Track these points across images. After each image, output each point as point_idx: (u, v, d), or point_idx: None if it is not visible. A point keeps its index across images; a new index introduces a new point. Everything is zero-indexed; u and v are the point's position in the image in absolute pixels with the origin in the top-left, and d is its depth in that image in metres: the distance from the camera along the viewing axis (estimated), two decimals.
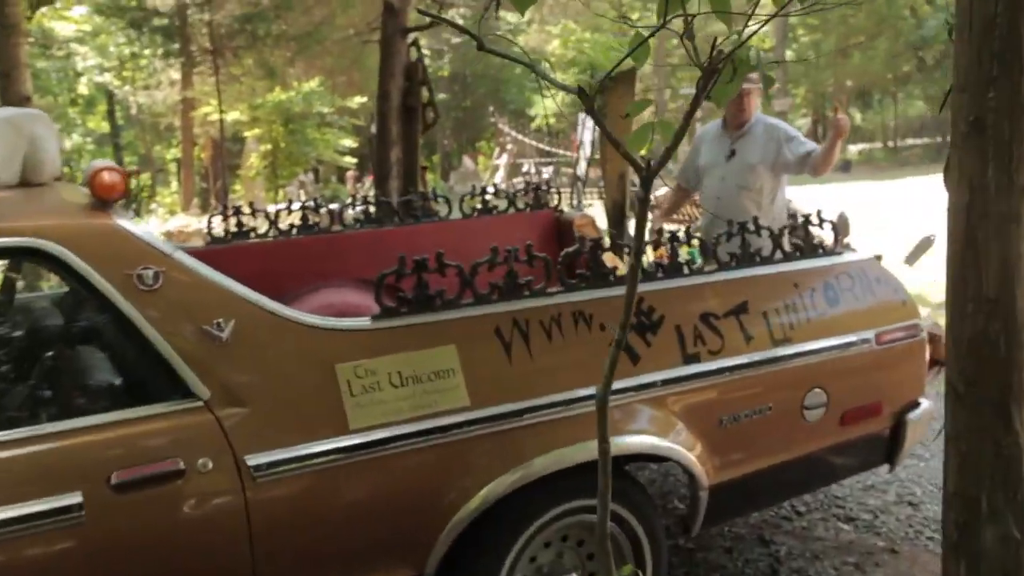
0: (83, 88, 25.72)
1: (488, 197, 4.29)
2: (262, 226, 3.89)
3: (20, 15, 8.04)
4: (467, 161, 23.45)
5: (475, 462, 2.38)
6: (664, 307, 2.67)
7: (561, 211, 4.37)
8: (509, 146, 21.47)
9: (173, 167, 28.70)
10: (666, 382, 2.61)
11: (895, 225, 10.77)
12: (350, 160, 19.66)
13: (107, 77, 23.79)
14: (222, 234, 3.80)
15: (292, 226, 3.90)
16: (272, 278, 3.61)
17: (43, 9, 15.28)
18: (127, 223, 2.29)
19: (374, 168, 6.96)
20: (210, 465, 2.11)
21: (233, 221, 3.82)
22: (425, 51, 6.89)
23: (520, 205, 4.31)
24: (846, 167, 26.86)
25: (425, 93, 6.68)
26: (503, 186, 19.96)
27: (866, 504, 3.84)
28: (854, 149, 34.00)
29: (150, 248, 2.24)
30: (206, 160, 21.33)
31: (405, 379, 2.33)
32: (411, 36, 6.81)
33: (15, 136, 2.52)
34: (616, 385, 2.55)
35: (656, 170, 1.28)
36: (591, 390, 2.50)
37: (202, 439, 2.14)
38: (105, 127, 30.19)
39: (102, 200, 2.31)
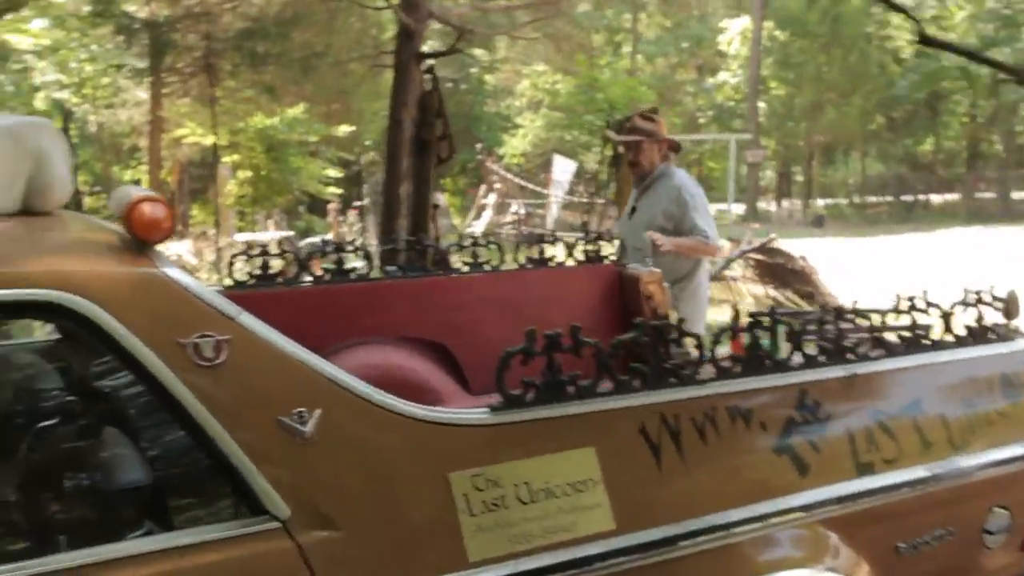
0: (39, 103, 24.77)
1: (545, 245, 3.75)
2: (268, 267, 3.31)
3: None
4: (439, 198, 22.90)
5: None
6: (831, 401, 2.14)
7: (624, 265, 3.85)
8: (497, 185, 21.01)
9: None
10: (840, 499, 2.07)
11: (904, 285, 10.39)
12: (334, 191, 18.95)
13: (65, 94, 22.88)
14: (244, 277, 3.21)
15: (326, 270, 3.32)
16: (299, 333, 3.04)
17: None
18: (178, 273, 1.71)
19: (383, 204, 6.38)
20: None
21: (258, 262, 3.24)
22: None
23: (580, 256, 3.79)
24: (819, 222, 26.85)
25: (440, 126, 6.15)
26: (484, 227, 19.37)
27: None
28: (821, 203, 34.17)
29: (210, 309, 1.66)
30: (172, 184, 20.49)
31: (535, 493, 1.78)
32: (426, 63, 6.29)
33: (17, 150, 1.92)
34: (782, 504, 2.03)
35: None
36: (755, 510, 1.98)
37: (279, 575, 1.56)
38: None
39: (142, 241, 1.72)
